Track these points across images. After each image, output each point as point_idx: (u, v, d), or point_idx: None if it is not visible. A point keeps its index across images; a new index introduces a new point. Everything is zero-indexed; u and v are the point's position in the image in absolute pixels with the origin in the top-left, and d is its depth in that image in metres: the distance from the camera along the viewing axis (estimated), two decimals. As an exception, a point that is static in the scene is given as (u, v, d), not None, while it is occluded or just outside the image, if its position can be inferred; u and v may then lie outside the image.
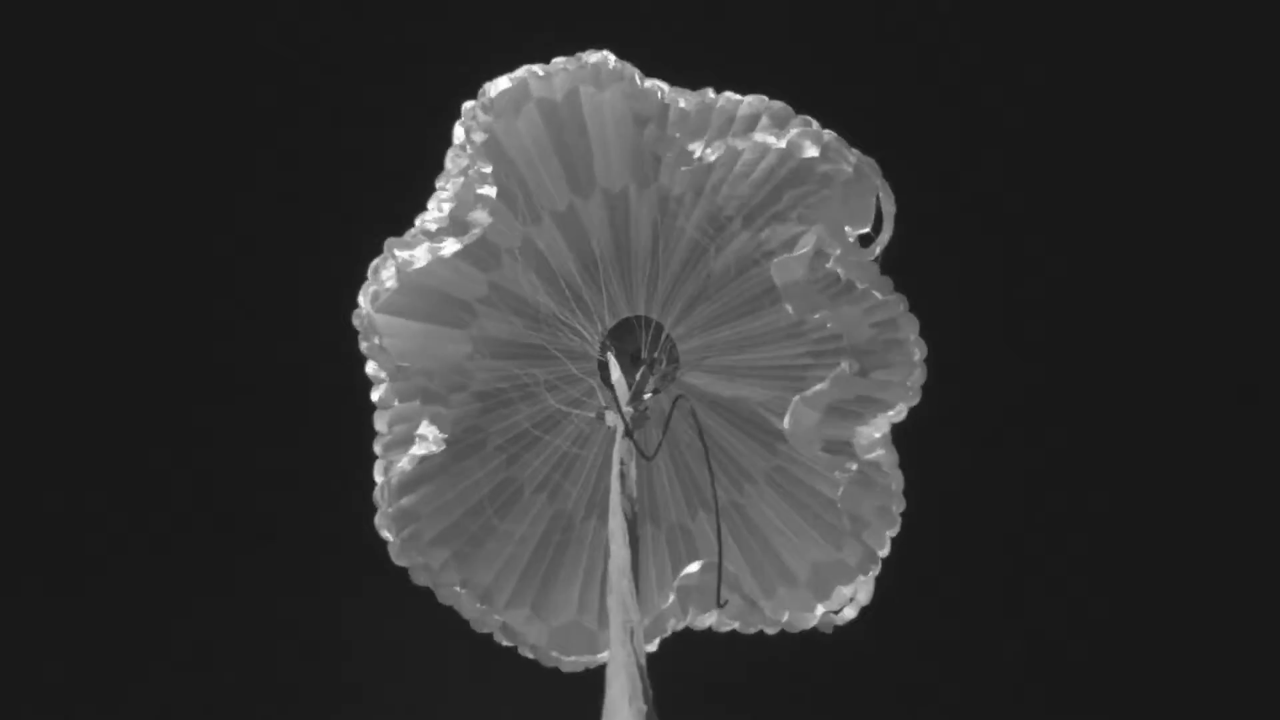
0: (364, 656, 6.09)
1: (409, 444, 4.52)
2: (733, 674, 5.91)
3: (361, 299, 4.46)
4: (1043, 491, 6.55)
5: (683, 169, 4.44)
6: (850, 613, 4.71)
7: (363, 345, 4.52)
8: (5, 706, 5.82)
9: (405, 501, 4.64)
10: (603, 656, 4.70)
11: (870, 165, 4.42)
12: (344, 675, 6.15)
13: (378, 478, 4.63)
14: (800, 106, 4.51)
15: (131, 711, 6.04)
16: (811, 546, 4.80)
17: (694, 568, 4.48)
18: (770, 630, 4.81)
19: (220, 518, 6.32)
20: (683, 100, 4.38)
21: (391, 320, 4.55)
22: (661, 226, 4.62)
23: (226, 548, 6.27)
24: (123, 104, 6.13)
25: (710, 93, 4.44)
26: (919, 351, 4.55)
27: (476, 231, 4.33)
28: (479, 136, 4.37)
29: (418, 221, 4.47)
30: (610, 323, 4.72)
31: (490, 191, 4.31)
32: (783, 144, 4.34)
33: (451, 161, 4.50)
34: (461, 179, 4.38)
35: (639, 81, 4.37)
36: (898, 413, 4.56)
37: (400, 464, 4.50)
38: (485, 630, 4.75)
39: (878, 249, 4.49)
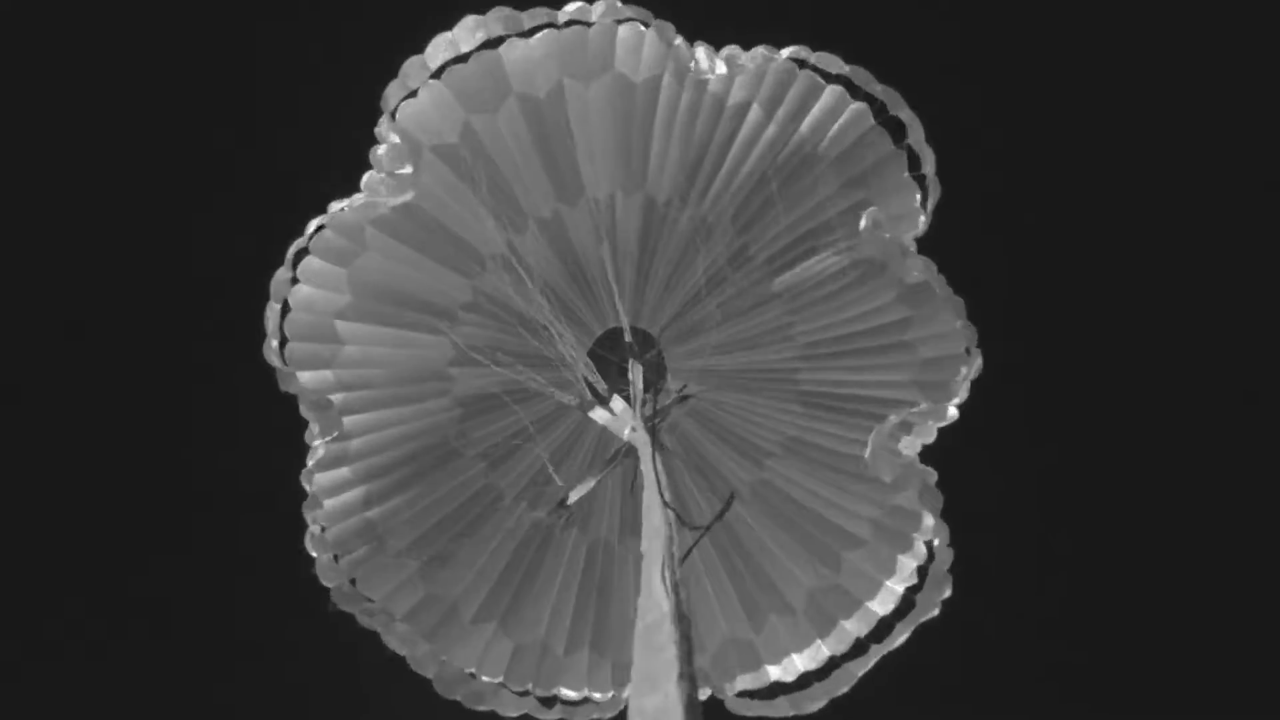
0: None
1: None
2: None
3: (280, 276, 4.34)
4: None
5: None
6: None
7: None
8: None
9: (371, 514, 4.52)
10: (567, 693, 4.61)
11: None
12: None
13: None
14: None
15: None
16: (805, 570, 4.67)
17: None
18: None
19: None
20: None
21: (361, 328, 4.42)
22: (650, 234, 4.50)
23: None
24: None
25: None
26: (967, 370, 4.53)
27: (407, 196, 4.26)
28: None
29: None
30: (598, 331, 4.60)
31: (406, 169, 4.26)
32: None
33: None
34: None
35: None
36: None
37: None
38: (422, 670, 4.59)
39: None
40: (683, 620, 3.13)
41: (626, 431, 4.28)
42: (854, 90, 4.46)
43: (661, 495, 3.83)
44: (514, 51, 4.27)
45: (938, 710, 5.76)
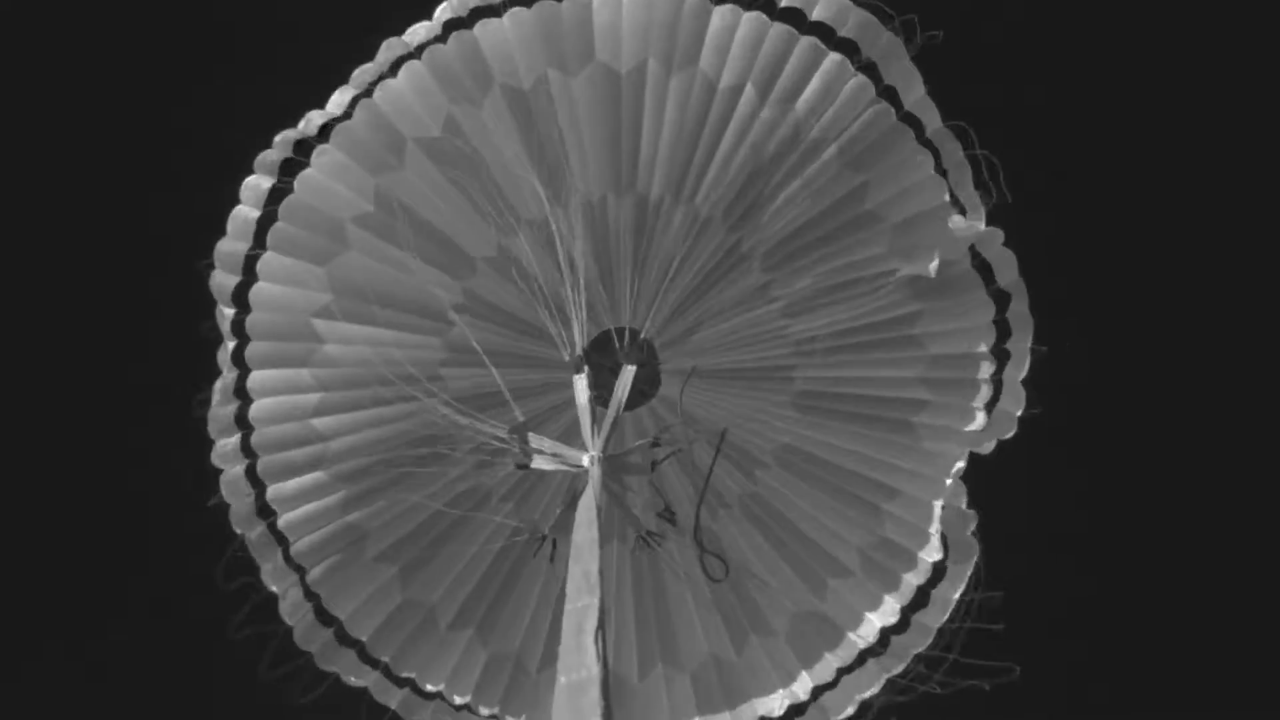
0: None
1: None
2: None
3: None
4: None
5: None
6: None
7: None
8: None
9: (352, 517, 4.35)
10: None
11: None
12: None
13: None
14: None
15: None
16: (790, 591, 4.50)
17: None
18: None
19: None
20: None
21: (344, 327, 4.28)
22: (644, 235, 4.36)
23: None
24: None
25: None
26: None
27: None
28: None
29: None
30: (592, 333, 4.43)
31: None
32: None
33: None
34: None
35: None
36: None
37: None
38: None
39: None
40: (608, 689, 3.18)
41: (584, 459, 4.10)
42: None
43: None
44: (490, 33, 4.14)
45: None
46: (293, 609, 4.44)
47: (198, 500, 4.51)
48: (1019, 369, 4.48)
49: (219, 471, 4.42)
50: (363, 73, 4.27)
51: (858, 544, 4.50)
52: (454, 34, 4.14)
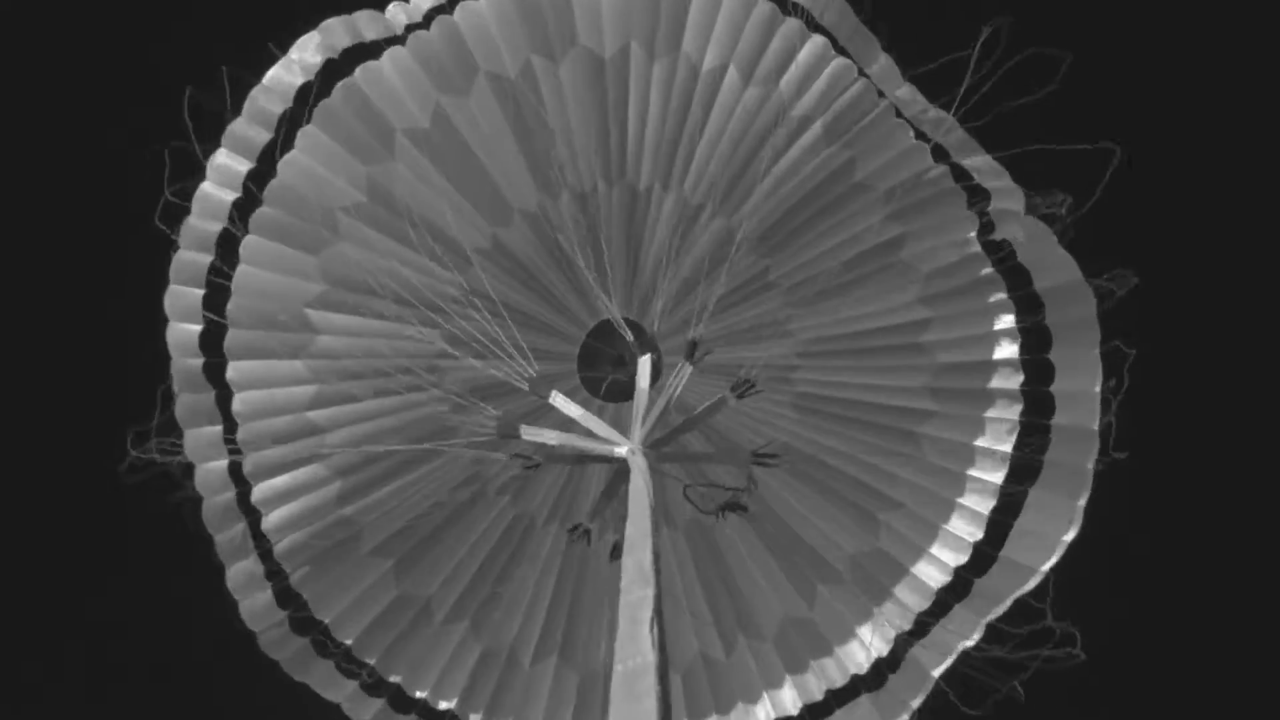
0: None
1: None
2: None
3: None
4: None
5: None
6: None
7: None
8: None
9: (347, 511, 4.33)
10: None
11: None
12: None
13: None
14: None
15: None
16: (781, 595, 4.43)
17: None
18: None
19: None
20: None
21: (339, 318, 4.24)
22: (635, 223, 4.32)
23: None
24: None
25: None
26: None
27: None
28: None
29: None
30: (590, 324, 4.45)
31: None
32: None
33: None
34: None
35: None
36: None
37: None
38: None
39: None
40: (665, 676, 3.06)
41: (623, 450, 3.99)
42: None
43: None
44: (470, 17, 4.08)
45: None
46: (263, 613, 4.36)
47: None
48: (1081, 379, 4.16)
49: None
50: (331, 32, 4.16)
51: (850, 551, 4.41)
52: (437, 19, 4.08)
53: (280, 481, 4.30)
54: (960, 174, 4.23)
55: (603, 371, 4.47)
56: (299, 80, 4.11)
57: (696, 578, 4.48)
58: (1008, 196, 4.18)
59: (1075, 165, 4.16)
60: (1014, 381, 4.24)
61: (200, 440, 4.25)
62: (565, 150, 4.21)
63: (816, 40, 4.15)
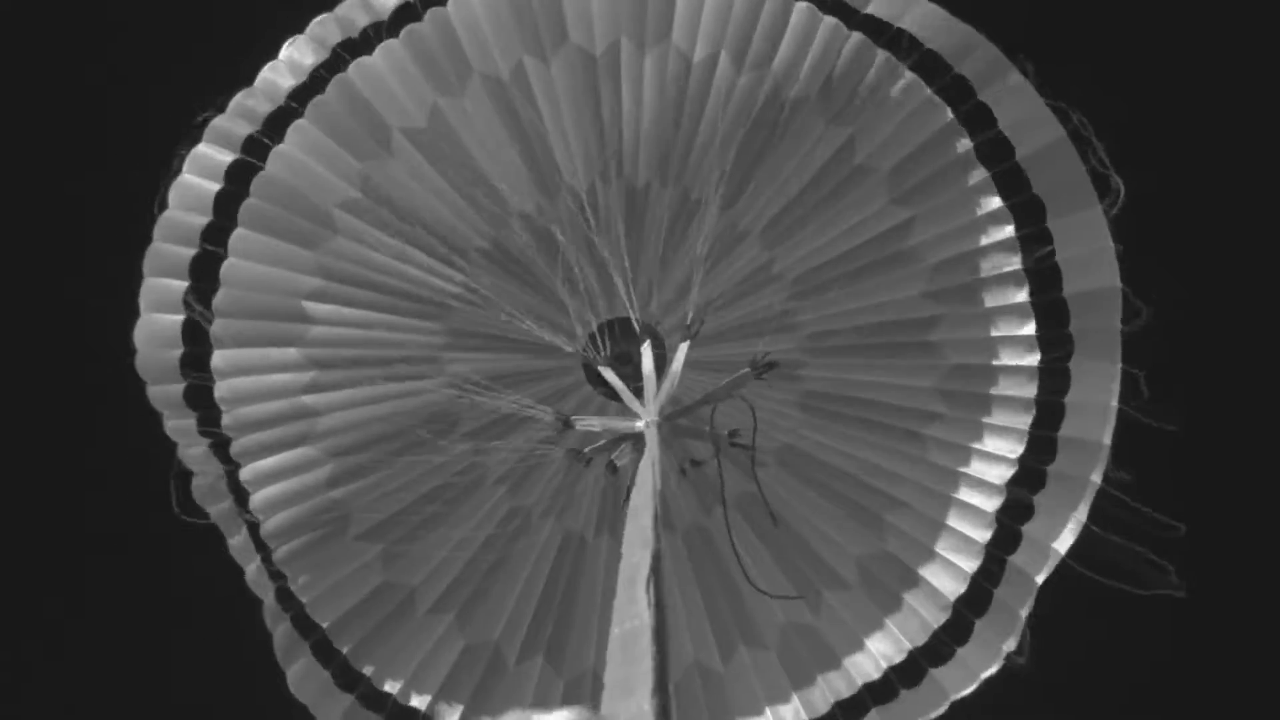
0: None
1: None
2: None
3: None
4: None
5: None
6: None
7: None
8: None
9: (337, 493, 4.25)
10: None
11: None
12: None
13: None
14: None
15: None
16: (784, 602, 4.29)
17: None
18: None
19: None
20: None
21: (338, 310, 4.20)
22: (635, 221, 4.24)
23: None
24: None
25: None
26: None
27: None
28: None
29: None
30: (592, 325, 4.34)
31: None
32: None
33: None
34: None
35: None
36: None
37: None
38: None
39: None
40: (662, 636, 3.00)
41: (640, 424, 3.99)
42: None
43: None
44: (463, 14, 4.03)
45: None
46: (255, 583, 4.32)
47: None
48: (1098, 390, 4.01)
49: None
50: (323, 28, 4.12)
51: (856, 554, 4.31)
52: (430, 12, 4.03)
53: (268, 463, 4.24)
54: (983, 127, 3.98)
55: (609, 365, 4.34)
56: (288, 81, 4.09)
57: (695, 584, 4.40)
58: (1051, 163, 3.91)
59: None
60: (1028, 390, 4.09)
61: (179, 430, 4.24)
62: (561, 150, 4.15)
63: (802, 8, 4.00)
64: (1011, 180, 4.01)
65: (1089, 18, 5.78)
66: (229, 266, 4.13)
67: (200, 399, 4.22)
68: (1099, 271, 4.00)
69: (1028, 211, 4.01)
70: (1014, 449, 4.10)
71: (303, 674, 4.34)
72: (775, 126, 4.07)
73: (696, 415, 4.27)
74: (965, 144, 4.00)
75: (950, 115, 3.99)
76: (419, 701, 4.32)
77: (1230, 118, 5.78)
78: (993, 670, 4.15)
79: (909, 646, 4.22)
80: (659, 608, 3.03)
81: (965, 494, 4.16)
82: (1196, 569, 4.06)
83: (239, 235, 4.12)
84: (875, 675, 4.23)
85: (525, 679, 4.37)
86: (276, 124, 4.10)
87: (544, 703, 4.34)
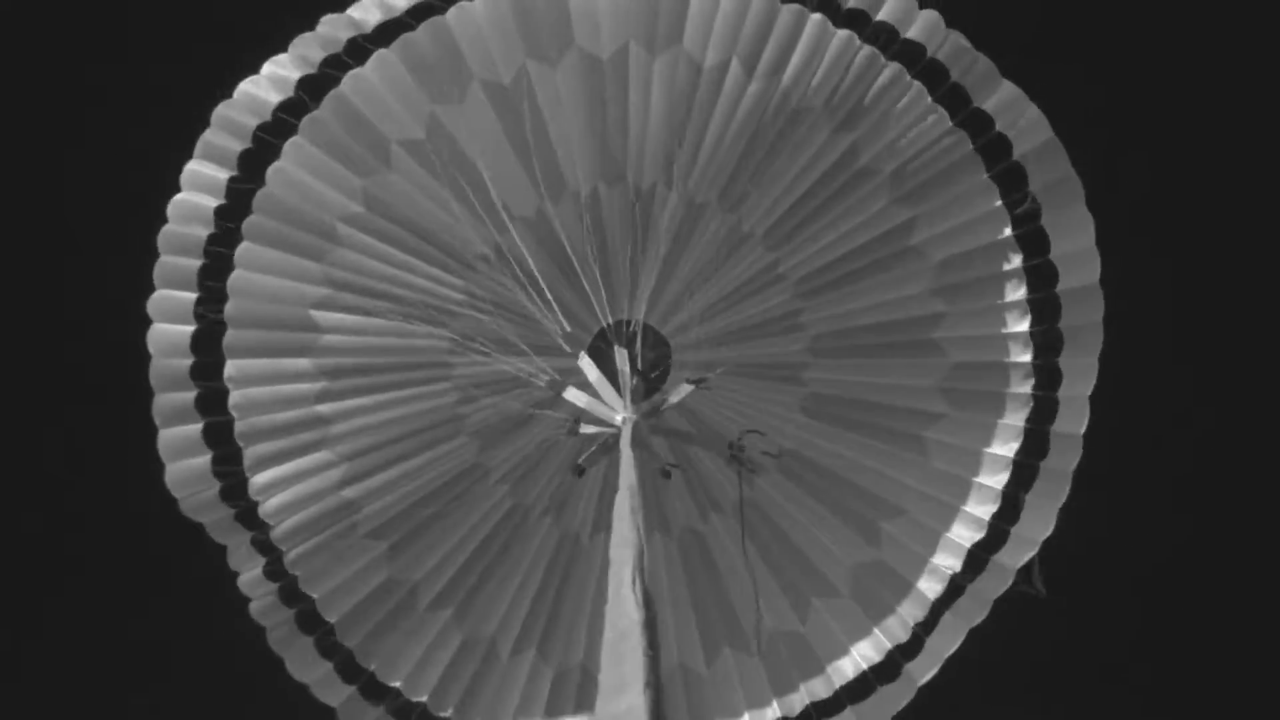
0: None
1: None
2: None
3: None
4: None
5: None
6: None
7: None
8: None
9: (348, 493, 4.30)
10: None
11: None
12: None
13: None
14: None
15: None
16: (772, 606, 4.35)
17: None
18: None
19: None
20: None
21: (346, 318, 4.23)
22: (638, 223, 4.23)
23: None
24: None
25: None
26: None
27: None
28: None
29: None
30: (595, 328, 4.35)
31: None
32: None
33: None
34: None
35: None
36: None
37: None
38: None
39: None
40: (651, 629, 3.08)
41: (617, 419, 4.08)
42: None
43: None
44: (463, 21, 3.99)
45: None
46: (251, 586, 4.37)
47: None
48: (1081, 385, 4.15)
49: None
50: (305, 46, 4.09)
51: (851, 563, 4.36)
52: (427, 22, 4.00)
53: (283, 469, 4.27)
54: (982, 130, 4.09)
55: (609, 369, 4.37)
56: (273, 97, 4.07)
57: (686, 586, 4.45)
58: (1043, 162, 4.06)
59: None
60: (1025, 386, 4.18)
61: (180, 438, 4.22)
62: (564, 154, 4.14)
63: (816, 19, 4.03)
64: (1008, 180, 4.13)
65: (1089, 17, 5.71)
66: (236, 278, 4.15)
67: (210, 409, 4.24)
68: (1086, 268, 4.11)
69: (1025, 210, 4.14)
70: (1011, 447, 4.19)
71: (306, 666, 4.42)
72: (781, 133, 4.09)
73: (687, 418, 4.39)
74: (965, 146, 4.09)
75: (950, 122, 4.08)
76: (418, 695, 4.42)
77: (1231, 119, 5.81)
78: (954, 648, 4.33)
79: (889, 646, 4.33)
80: (646, 600, 3.13)
81: (963, 500, 4.24)
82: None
83: (244, 249, 4.14)
84: (853, 676, 4.34)
85: (517, 671, 4.46)
86: (269, 138, 4.11)
87: (533, 693, 4.46)
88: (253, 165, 4.11)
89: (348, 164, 4.11)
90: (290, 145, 4.07)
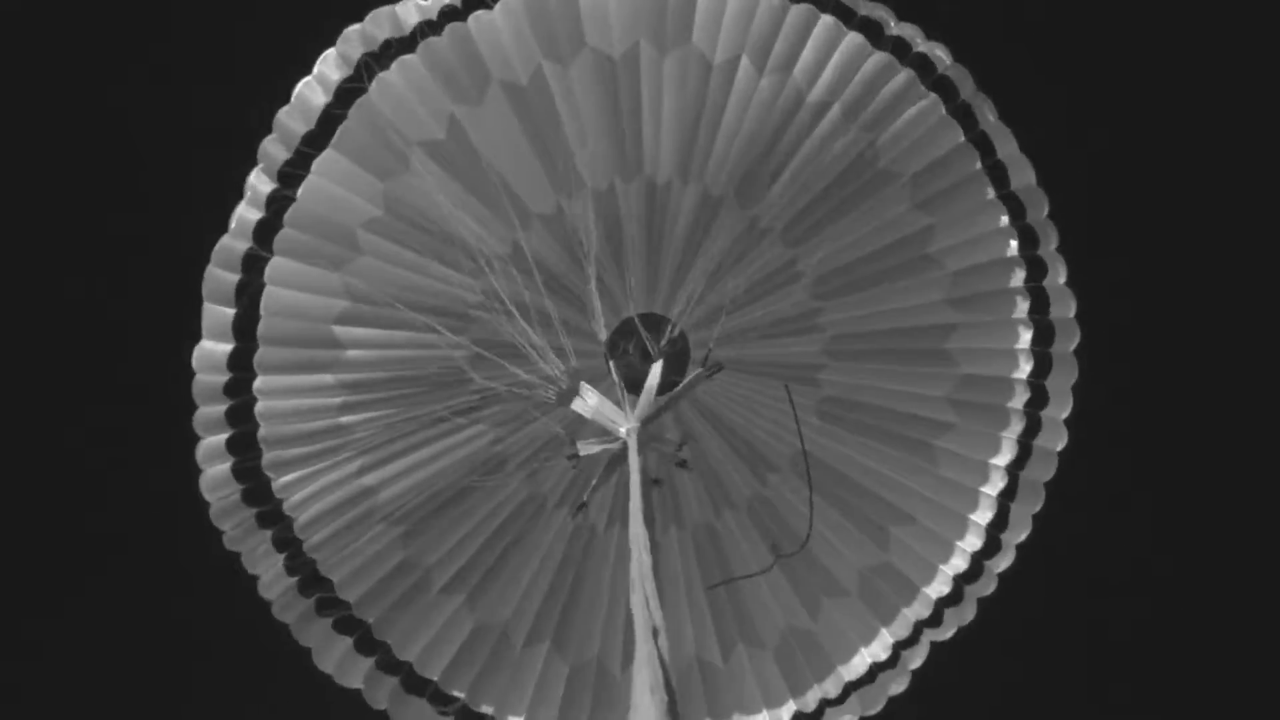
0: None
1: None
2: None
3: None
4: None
5: None
6: None
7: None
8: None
9: (367, 479, 4.34)
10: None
11: None
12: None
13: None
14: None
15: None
16: (784, 604, 4.41)
17: None
18: None
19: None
20: None
21: (365, 332, 4.26)
22: (655, 219, 4.24)
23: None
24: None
25: None
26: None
27: None
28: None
29: None
30: (614, 323, 4.35)
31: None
32: None
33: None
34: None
35: None
36: None
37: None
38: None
39: None
40: (658, 634, 3.22)
41: (622, 430, 4.08)
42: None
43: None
44: (482, 25, 4.04)
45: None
46: (273, 581, 4.41)
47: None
48: (1061, 408, 4.31)
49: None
50: (349, 44, 4.11)
51: (859, 565, 4.41)
52: (448, 27, 4.05)
53: (305, 470, 4.32)
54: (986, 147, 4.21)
55: (628, 366, 4.38)
56: (321, 99, 4.11)
57: (701, 581, 4.48)
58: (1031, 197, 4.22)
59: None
60: (1020, 400, 4.31)
61: (213, 447, 4.29)
62: (580, 151, 4.16)
63: (827, 20, 4.07)
64: (1010, 205, 4.27)
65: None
66: (267, 294, 4.20)
67: (240, 420, 4.30)
68: (1063, 303, 4.29)
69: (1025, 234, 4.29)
70: (1006, 458, 4.34)
71: (326, 644, 4.47)
72: (797, 128, 4.11)
73: (702, 415, 4.45)
74: (976, 164, 4.19)
75: (963, 136, 4.17)
76: (430, 674, 4.46)
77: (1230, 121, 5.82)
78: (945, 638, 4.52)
79: (892, 641, 4.46)
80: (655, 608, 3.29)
81: (968, 509, 4.36)
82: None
83: (274, 263, 4.19)
84: (863, 673, 4.47)
85: (530, 662, 4.49)
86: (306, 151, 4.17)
87: (547, 687, 4.49)
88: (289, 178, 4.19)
89: (370, 168, 4.15)
90: (321, 159, 4.13)
